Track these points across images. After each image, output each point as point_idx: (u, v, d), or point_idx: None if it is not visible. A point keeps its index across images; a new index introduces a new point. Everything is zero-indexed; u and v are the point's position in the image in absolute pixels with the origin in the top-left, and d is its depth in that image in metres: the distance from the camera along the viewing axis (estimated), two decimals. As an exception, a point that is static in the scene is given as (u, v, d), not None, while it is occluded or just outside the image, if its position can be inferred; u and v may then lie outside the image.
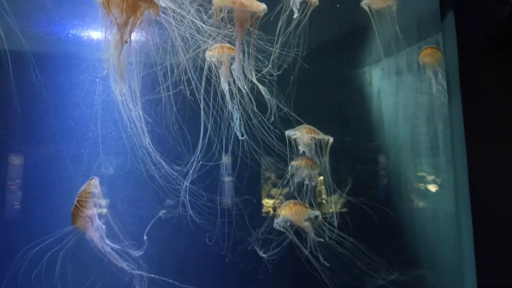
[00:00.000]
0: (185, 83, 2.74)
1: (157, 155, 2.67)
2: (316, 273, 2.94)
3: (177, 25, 2.51)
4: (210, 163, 2.92)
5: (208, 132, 2.80)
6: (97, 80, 3.57)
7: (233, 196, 3.28)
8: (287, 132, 2.96)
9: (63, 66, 3.62)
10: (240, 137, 2.89)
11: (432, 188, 3.71)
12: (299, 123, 3.09)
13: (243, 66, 2.58)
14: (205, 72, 2.64)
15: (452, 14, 2.32)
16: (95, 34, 3.75)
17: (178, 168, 2.80)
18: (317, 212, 2.89)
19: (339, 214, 3.13)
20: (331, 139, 2.98)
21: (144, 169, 2.75)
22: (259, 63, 2.82)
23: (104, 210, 3.46)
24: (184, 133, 2.99)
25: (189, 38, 2.60)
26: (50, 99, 3.32)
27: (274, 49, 2.79)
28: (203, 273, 3.43)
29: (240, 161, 3.07)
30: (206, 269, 3.51)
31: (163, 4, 2.38)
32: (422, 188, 3.77)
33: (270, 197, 4.52)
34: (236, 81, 2.78)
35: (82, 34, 3.76)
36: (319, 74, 3.77)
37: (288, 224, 2.92)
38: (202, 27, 2.54)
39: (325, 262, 2.82)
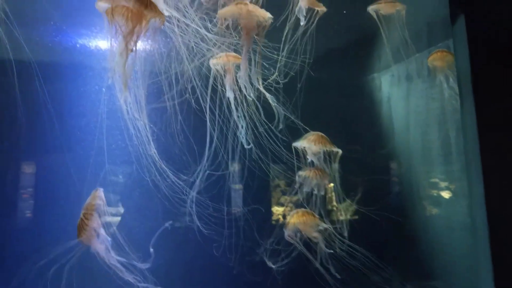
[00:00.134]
0: (190, 92, 2.71)
1: (163, 165, 2.64)
2: (327, 285, 2.86)
3: (181, 34, 2.49)
4: (217, 173, 2.87)
5: (214, 141, 2.76)
6: (103, 89, 3.58)
7: (241, 206, 3.23)
8: (294, 144, 2.91)
9: (71, 75, 3.64)
10: (246, 146, 2.85)
11: (445, 196, 3.61)
12: (307, 131, 3.04)
13: (249, 74, 2.55)
14: (211, 81, 2.61)
15: (463, 18, 2.26)
16: (102, 43, 3.76)
17: (185, 177, 2.76)
18: (326, 225, 2.82)
19: (349, 224, 3.05)
20: (339, 152, 2.91)
21: (150, 178, 2.72)
22: (265, 71, 2.78)
23: (110, 221, 3.44)
24: (190, 142, 2.96)
25: (193, 46, 2.58)
26: (57, 108, 3.33)
27: (280, 57, 2.75)
28: (211, 285, 3.37)
29: (247, 170, 3.02)
30: (214, 280, 3.45)
31: (166, 13, 2.36)
32: (435, 196, 3.67)
33: (280, 204, 4.46)
34: (241, 90, 2.75)
35: (90, 44, 3.77)
36: (327, 81, 3.73)
37: (298, 234, 2.86)
38: (206, 35, 2.51)
39: (336, 274, 2.74)
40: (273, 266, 3.03)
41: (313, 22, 2.71)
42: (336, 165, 2.93)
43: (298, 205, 3.15)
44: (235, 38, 2.59)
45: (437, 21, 3.17)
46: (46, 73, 3.10)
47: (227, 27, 2.51)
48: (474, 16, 2.26)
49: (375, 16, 2.88)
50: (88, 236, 2.24)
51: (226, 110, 2.77)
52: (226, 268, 3.16)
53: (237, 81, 2.76)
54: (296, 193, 3.00)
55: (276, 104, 2.65)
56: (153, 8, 2.11)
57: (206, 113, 2.61)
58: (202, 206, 2.84)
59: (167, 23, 2.43)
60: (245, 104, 2.71)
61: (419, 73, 3.53)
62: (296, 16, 2.68)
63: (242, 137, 2.76)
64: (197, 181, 2.66)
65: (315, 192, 2.90)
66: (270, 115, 2.86)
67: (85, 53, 3.75)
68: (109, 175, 3.66)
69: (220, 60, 2.76)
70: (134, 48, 2.15)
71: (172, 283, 3.08)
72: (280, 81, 2.75)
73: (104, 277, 2.41)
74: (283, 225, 3.00)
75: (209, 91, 2.59)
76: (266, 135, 2.81)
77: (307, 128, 3.03)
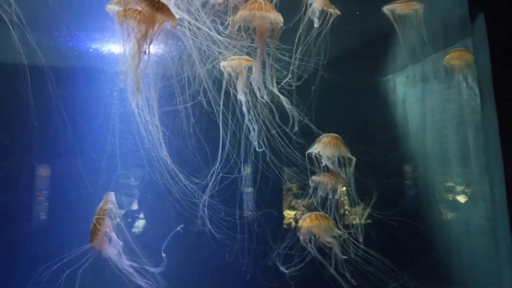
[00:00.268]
0: (202, 94, 2.69)
1: (175, 168, 2.62)
2: (341, 291, 2.80)
3: (193, 37, 2.48)
4: (231, 176, 2.84)
5: (227, 145, 2.73)
6: (114, 93, 3.60)
7: (254, 210, 3.19)
8: (309, 151, 2.87)
9: (83, 79, 3.66)
10: (257, 149, 2.82)
11: (463, 199, 3.52)
12: (319, 134, 2.99)
13: (262, 77, 2.52)
14: (224, 85, 2.59)
15: (483, 16, 2.19)
16: (115, 47, 3.78)
17: (197, 181, 2.74)
18: (341, 232, 2.76)
19: (364, 229, 2.99)
20: (353, 159, 2.86)
21: (162, 182, 2.70)
22: (277, 73, 2.75)
23: (122, 224, 3.44)
24: (202, 145, 2.94)
25: (205, 49, 2.56)
26: (70, 112, 3.35)
27: (293, 59, 2.71)
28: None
29: (259, 173, 2.98)
30: (226, 285, 3.42)
31: (178, 16, 2.35)
32: (452, 199, 3.58)
33: (292, 208, 4.41)
34: (253, 92, 2.72)
35: (102, 48, 3.79)
36: (340, 83, 3.67)
37: (312, 237, 2.80)
38: (218, 39, 2.49)
39: (352, 280, 2.68)
40: (286, 271, 2.98)
41: (326, 24, 2.67)
42: (350, 169, 2.88)
43: (310, 209, 3.09)
44: (246, 41, 2.57)
45: (454, 21, 3.10)
46: (58, 77, 3.13)
47: (239, 29, 2.49)
48: (494, 14, 2.20)
49: (390, 16, 2.81)
50: (100, 241, 2.23)
51: (238, 113, 2.74)
52: (238, 273, 3.12)
53: (249, 83, 2.74)
54: (309, 197, 2.95)
55: (290, 106, 2.60)
56: (165, 11, 2.10)
57: (219, 117, 2.59)
58: (214, 210, 2.82)
59: (178, 26, 2.42)
60: (258, 107, 2.68)
61: (436, 74, 3.45)
62: (309, 18, 2.64)
63: (254, 140, 2.73)
64: (210, 185, 2.63)
65: (330, 196, 2.85)
66: (283, 118, 2.82)
67: (97, 57, 3.77)
68: (121, 178, 3.67)
69: (231, 63, 2.74)
70: (146, 51, 2.14)
71: (184, 286, 3.06)
72: (293, 84, 2.71)
73: (117, 281, 2.40)
74: (296, 229, 2.95)
75: (222, 94, 2.57)
76: (279, 138, 2.78)
77: (320, 131, 2.98)
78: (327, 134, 2.89)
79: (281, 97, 2.57)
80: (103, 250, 2.28)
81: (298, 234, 2.84)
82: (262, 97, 2.52)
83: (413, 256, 3.29)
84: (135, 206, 3.71)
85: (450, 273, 3.36)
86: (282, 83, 2.69)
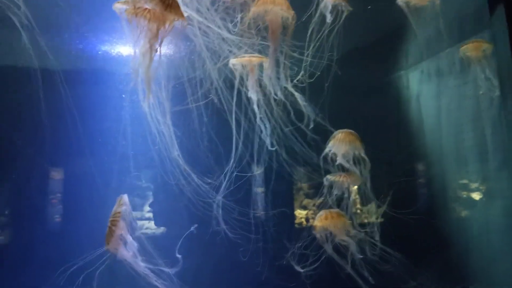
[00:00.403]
0: (213, 94, 2.67)
1: (187, 168, 2.60)
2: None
3: (203, 35, 2.45)
4: (246, 175, 2.81)
5: (240, 144, 2.70)
6: (123, 96, 3.60)
7: (268, 209, 3.16)
8: (325, 151, 2.82)
9: (93, 81, 3.66)
10: (270, 147, 2.78)
11: (478, 197, 3.44)
12: (331, 132, 2.94)
13: (275, 74, 2.48)
14: (236, 83, 2.55)
15: (502, 7, 2.13)
16: (124, 49, 3.77)
17: (209, 181, 2.71)
18: (357, 231, 2.71)
19: (380, 227, 2.93)
20: (367, 160, 2.82)
21: (175, 182, 2.68)
22: (289, 70, 2.71)
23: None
24: (213, 145, 2.91)
25: (216, 48, 2.53)
26: (80, 114, 3.35)
27: (305, 57, 2.67)
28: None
29: (269, 172, 2.95)
30: (241, 285, 3.40)
31: (187, 15, 2.32)
32: (469, 197, 3.50)
33: (303, 208, 4.38)
34: (264, 90, 2.69)
35: (112, 50, 3.79)
36: (351, 80, 3.61)
37: (328, 235, 2.76)
38: (228, 37, 2.46)
39: (370, 278, 2.63)
40: (302, 270, 2.95)
41: (339, 20, 2.62)
42: (366, 168, 2.82)
43: (321, 208, 3.05)
44: (257, 39, 2.53)
45: (469, 13, 3.02)
46: (68, 79, 3.13)
47: (249, 26, 2.45)
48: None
49: (405, 9, 2.74)
50: (116, 243, 2.22)
51: (250, 112, 2.71)
52: (253, 272, 3.10)
53: (260, 81, 2.71)
54: (324, 197, 2.91)
55: (305, 103, 2.56)
56: (175, 9, 2.07)
57: (232, 117, 2.56)
58: (227, 210, 2.79)
59: (188, 25, 2.39)
60: (270, 104, 2.64)
61: (451, 68, 3.37)
62: (320, 14, 2.60)
63: (267, 138, 2.69)
64: (224, 184, 2.61)
65: (346, 195, 2.81)
66: (294, 116, 2.79)
67: (107, 59, 3.77)
68: (134, 180, 3.67)
69: (241, 60, 2.71)
70: (157, 50, 2.12)
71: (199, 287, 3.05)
72: (306, 81, 2.67)
73: (132, 282, 2.39)
74: (310, 228, 2.92)
75: (235, 93, 2.54)
76: (292, 136, 2.74)
77: (332, 129, 2.94)
78: (341, 130, 2.84)
79: (296, 94, 2.53)
80: (119, 252, 2.27)
81: (313, 232, 2.80)
82: (276, 94, 2.48)
83: (430, 255, 3.23)
84: (147, 208, 3.71)
85: (468, 271, 3.30)
86: (295, 81, 2.65)
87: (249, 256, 3.02)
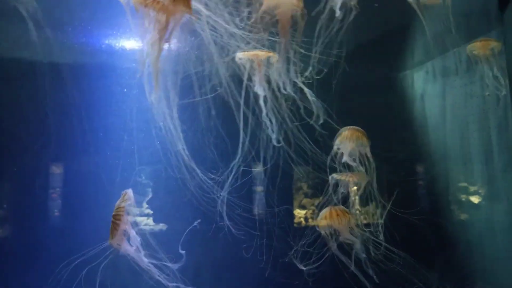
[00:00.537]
0: (220, 89, 2.65)
1: (192, 163, 2.58)
2: (362, 288, 2.74)
3: (211, 30, 2.43)
4: (257, 169, 2.79)
5: (246, 141, 2.68)
6: (125, 90, 3.58)
7: (271, 206, 3.14)
8: (333, 149, 2.80)
9: (96, 76, 3.64)
10: (276, 144, 2.77)
11: (483, 197, 3.43)
12: (336, 131, 2.93)
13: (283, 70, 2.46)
14: (245, 79, 2.53)
15: (514, 5, 2.12)
16: (128, 43, 3.75)
17: (214, 176, 2.70)
18: (361, 230, 2.70)
19: (384, 226, 2.92)
20: (372, 161, 2.80)
21: (179, 177, 2.67)
22: (296, 66, 2.69)
23: (139, 221, 3.41)
24: (218, 141, 2.90)
25: (224, 43, 2.51)
26: (85, 109, 3.33)
27: (313, 53, 2.65)
28: (240, 286, 3.31)
29: (278, 169, 2.94)
30: (243, 281, 3.39)
31: (195, 7, 2.30)
32: (473, 197, 3.49)
33: (302, 207, 4.37)
34: (271, 86, 2.68)
35: (116, 44, 3.77)
36: (356, 77, 3.60)
37: (332, 233, 2.74)
38: (236, 31, 2.44)
39: (375, 277, 2.61)
40: (304, 268, 2.93)
41: (348, 17, 2.60)
42: (371, 167, 2.81)
43: (321, 207, 3.03)
44: (265, 34, 2.52)
45: (478, 12, 3.01)
46: (72, 74, 3.11)
47: (258, 21, 2.44)
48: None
49: (414, 6, 2.72)
50: (119, 238, 2.20)
51: (256, 107, 2.69)
52: (256, 269, 3.09)
53: (267, 77, 2.69)
54: (328, 196, 2.89)
55: (314, 99, 2.55)
56: (185, 1, 2.05)
57: (240, 113, 2.54)
58: (230, 206, 2.78)
59: (196, 19, 2.37)
60: (278, 100, 2.63)
61: (458, 68, 3.36)
62: (329, 9, 2.58)
63: (273, 135, 2.68)
64: (229, 180, 2.59)
65: (351, 196, 2.80)
66: (299, 113, 2.77)
67: (110, 53, 3.75)
68: (137, 175, 3.65)
69: (247, 55, 2.69)
70: (166, 43, 2.10)
71: (201, 282, 3.03)
72: (314, 77, 2.65)
73: (135, 276, 2.37)
74: (314, 226, 2.90)
75: (244, 88, 2.52)
76: (298, 133, 2.72)
77: (337, 127, 2.92)
78: (348, 127, 2.82)
79: (305, 89, 2.51)
80: (122, 247, 2.25)
81: (317, 229, 2.78)
82: (285, 89, 2.47)
83: (434, 254, 3.22)
84: (149, 203, 3.68)
85: (472, 271, 3.29)
86: (302, 78, 2.63)
87: (252, 253, 3.01)
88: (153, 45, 2.07)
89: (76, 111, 3.40)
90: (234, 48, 2.56)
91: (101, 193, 3.42)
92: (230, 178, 2.61)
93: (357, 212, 3.42)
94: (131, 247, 2.29)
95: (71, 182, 3.54)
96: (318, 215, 2.90)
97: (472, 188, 3.57)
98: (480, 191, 3.49)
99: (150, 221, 3.61)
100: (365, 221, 3.13)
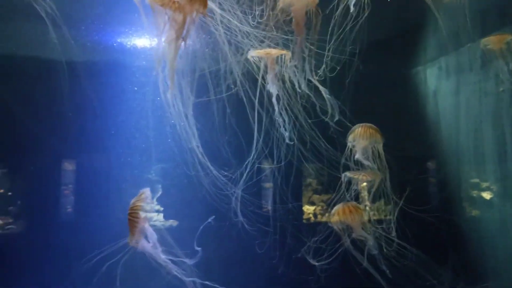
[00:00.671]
0: (234, 86, 2.67)
1: (206, 161, 2.60)
2: (375, 284, 2.75)
3: (225, 30, 2.44)
4: (271, 166, 2.81)
5: (260, 141, 2.70)
6: (135, 88, 3.62)
7: (283, 203, 3.16)
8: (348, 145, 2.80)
9: (109, 73, 3.67)
10: (288, 141, 2.78)
11: (497, 195, 3.42)
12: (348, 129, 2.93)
13: (299, 67, 2.47)
14: (260, 77, 2.55)
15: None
16: (139, 41, 3.78)
17: (228, 174, 2.72)
18: (374, 226, 2.70)
19: (396, 223, 2.93)
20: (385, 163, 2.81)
21: (193, 175, 2.69)
22: (313, 62, 2.70)
23: (155, 218, 3.46)
24: (232, 139, 2.92)
25: (238, 42, 2.52)
26: (97, 107, 3.37)
27: (326, 51, 2.66)
28: (255, 281, 3.34)
29: (290, 167, 2.95)
30: (256, 277, 3.42)
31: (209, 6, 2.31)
32: (486, 195, 3.48)
33: (311, 203, 4.39)
34: (284, 84, 2.69)
35: (127, 42, 3.80)
36: (368, 75, 3.59)
37: (345, 230, 2.75)
38: (250, 30, 2.45)
39: (387, 272, 2.62)
40: (316, 264, 2.95)
41: (362, 15, 2.59)
42: (382, 166, 2.81)
43: (331, 204, 3.05)
44: (278, 32, 2.52)
45: (492, 8, 2.98)
46: (85, 72, 3.15)
47: (272, 19, 2.44)
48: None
49: (429, 1, 2.70)
50: (137, 236, 2.24)
51: (269, 106, 2.71)
52: (269, 265, 3.12)
53: (280, 75, 2.70)
54: (341, 193, 2.90)
55: (328, 96, 2.55)
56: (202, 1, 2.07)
57: (255, 110, 2.55)
58: (243, 203, 2.80)
59: (211, 18, 2.38)
60: (291, 98, 2.64)
61: (472, 64, 3.33)
62: (344, 6, 2.58)
63: (286, 132, 2.69)
64: (244, 177, 2.61)
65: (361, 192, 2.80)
66: (312, 111, 2.78)
67: (123, 51, 3.78)
68: (149, 173, 3.69)
69: (260, 53, 2.70)
70: (183, 41, 2.11)
71: (214, 277, 3.06)
72: (328, 75, 2.66)
73: (152, 271, 2.41)
74: (325, 222, 2.92)
75: (258, 87, 2.53)
76: (311, 131, 2.73)
77: (349, 124, 2.93)
78: (361, 124, 2.83)
79: (320, 87, 2.52)
80: (139, 244, 2.28)
81: (329, 225, 2.79)
82: (299, 87, 2.48)
83: (447, 251, 3.22)
84: (161, 199, 3.72)
85: (485, 267, 3.29)
86: (316, 77, 2.63)
87: (262, 248, 3.04)
88: (170, 44, 2.09)
89: (89, 109, 3.45)
90: (247, 47, 2.58)
91: (113, 190, 3.48)
92: (245, 175, 2.63)
93: (367, 208, 3.42)
94: (148, 243, 2.32)
95: (83, 179, 3.59)
96: (328, 211, 2.91)
97: (484, 184, 3.55)
98: (492, 187, 3.47)
99: (161, 217, 3.65)
100: (375, 217, 3.14)
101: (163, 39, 2.14)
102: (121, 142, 3.62)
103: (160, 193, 3.69)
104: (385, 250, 2.76)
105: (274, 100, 2.71)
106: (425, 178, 3.61)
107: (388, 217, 3.21)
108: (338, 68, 2.78)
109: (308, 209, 4.29)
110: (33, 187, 3.47)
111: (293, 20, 2.36)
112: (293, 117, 2.74)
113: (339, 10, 2.55)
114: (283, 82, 2.70)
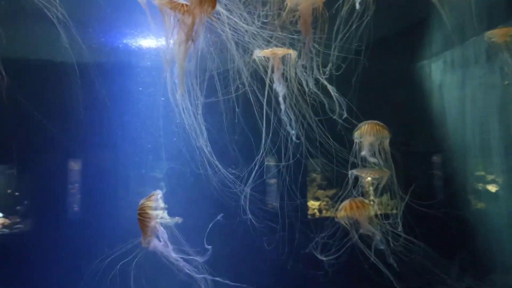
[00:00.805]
0: (242, 86, 2.69)
1: (214, 159, 2.64)
2: (382, 278, 2.78)
3: (231, 30, 2.46)
4: (280, 163, 2.83)
5: (269, 138, 2.72)
6: (140, 88, 3.64)
7: (288, 199, 3.19)
8: (355, 142, 2.82)
9: (115, 74, 3.70)
10: (295, 139, 2.80)
11: (503, 189, 3.42)
12: (354, 125, 2.95)
13: (305, 65, 2.49)
14: (268, 79, 2.57)
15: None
16: (144, 42, 3.81)
17: (236, 172, 2.75)
18: (380, 221, 2.73)
19: (402, 218, 2.95)
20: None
21: (201, 173, 2.73)
22: (320, 61, 2.71)
23: (165, 217, 3.50)
24: (240, 137, 2.95)
25: (243, 42, 2.54)
26: (104, 108, 3.40)
27: (332, 50, 2.67)
28: (263, 276, 3.38)
29: (295, 164, 2.98)
30: (263, 273, 3.46)
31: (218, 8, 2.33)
32: (492, 189, 3.49)
33: (316, 199, 4.41)
34: (290, 83, 2.70)
35: (133, 43, 3.82)
36: (373, 71, 3.60)
37: (352, 224, 2.78)
38: (257, 30, 2.47)
39: (395, 265, 2.65)
40: (324, 259, 2.98)
41: (367, 12, 2.60)
42: (387, 162, 2.83)
43: (336, 200, 3.07)
44: (285, 32, 2.54)
45: (496, 2, 2.97)
46: (91, 73, 3.17)
47: (278, 19, 2.46)
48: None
49: (435, -1, 2.70)
50: (149, 235, 2.28)
51: (276, 104, 2.73)
52: (277, 261, 3.16)
53: (285, 74, 2.72)
54: (348, 190, 2.92)
55: (336, 94, 2.57)
56: (211, 3, 2.09)
57: (263, 109, 2.58)
58: (250, 200, 2.83)
59: (218, 20, 2.40)
60: (297, 97, 2.66)
61: (477, 58, 3.32)
62: (347, 6, 2.59)
63: (293, 130, 2.71)
64: (253, 175, 2.64)
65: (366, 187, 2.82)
66: (320, 108, 2.79)
67: (128, 52, 3.80)
68: (157, 171, 3.73)
69: (266, 53, 2.71)
70: (192, 42, 2.14)
71: (224, 274, 3.11)
72: (334, 73, 2.68)
73: (163, 269, 2.45)
74: (332, 218, 2.94)
75: (266, 87, 2.56)
76: (318, 129, 2.76)
77: (355, 121, 2.94)
78: (367, 121, 2.84)
79: (328, 86, 2.54)
80: (151, 243, 2.32)
81: (336, 220, 2.82)
82: (306, 85, 2.50)
83: (454, 246, 3.24)
84: (165, 197, 3.75)
85: (492, 261, 3.31)
86: (324, 76, 2.65)
87: (269, 244, 3.08)
88: (179, 45, 2.11)
89: (97, 110, 3.48)
90: (254, 47, 2.60)
91: (120, 189, 3.52)
92: (253, 173, 2.66)
93: (372, 202, 3.44)
94: (159, 242, 2.36)
95: (90, 179, 3.62)
96: (333, 206, 2.94)
97: (489, 177, 3.56)
98: (498, 179, 3.47)
99: (165, 214, 3.69)
100: (379, 212, 3.17)
101: (171, 41, 2.17)
102: (128, 141, 3.66)
103: (164, 191, 3.72)
104: (392, 245, 2.78)
105: (280, 99, 2.73)
106: (431, 172, 3.62)
107: (394, 212, 3.23)
108: (344, 66, 2.79)
109: (313, 204, 4.32)
110: (41, 187, 3.51)
111: (300, 19, 2.38)
112: (300, 116, 2.76)
113: (344, 8, 2.56)
114: (290, 81, 2.71)
